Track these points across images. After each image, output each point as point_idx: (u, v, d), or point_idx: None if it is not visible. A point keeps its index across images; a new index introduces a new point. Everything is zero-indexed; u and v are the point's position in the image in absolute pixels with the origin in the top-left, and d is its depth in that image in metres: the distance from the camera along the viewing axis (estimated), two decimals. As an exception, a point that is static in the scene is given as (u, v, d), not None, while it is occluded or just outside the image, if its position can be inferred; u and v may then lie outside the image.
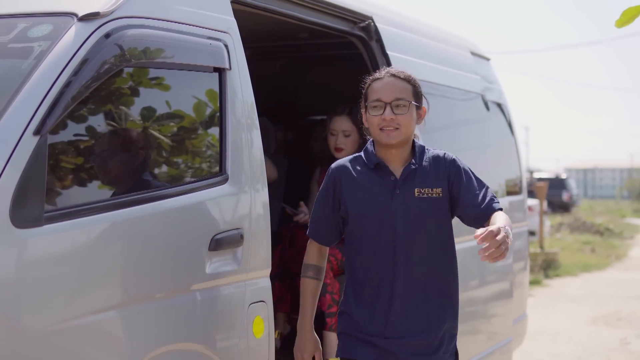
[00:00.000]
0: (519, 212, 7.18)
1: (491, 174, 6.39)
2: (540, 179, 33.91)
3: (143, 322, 3.36)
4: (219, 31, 3.92)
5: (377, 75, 3.70)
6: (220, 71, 3.89)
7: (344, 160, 3.75)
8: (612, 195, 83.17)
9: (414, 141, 3.73)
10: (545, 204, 20.60)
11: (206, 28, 3.85)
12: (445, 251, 3.73)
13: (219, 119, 3.85)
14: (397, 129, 3.60)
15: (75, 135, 3.25)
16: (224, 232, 3.72)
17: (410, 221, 3.63)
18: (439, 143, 5.52)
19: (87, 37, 3.26)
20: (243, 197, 3.87)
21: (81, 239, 3.13)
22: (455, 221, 3.72)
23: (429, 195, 3.65)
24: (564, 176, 44.98)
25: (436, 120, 5.63)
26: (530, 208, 17.55)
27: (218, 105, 3.86)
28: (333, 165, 3.74)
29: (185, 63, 3.73)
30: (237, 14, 4.13)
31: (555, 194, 38.40)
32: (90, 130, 3.32)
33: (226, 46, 3.93)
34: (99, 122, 3.36)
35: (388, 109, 3.60)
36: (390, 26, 5.47)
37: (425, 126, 5.27)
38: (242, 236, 3.81)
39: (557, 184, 39.84)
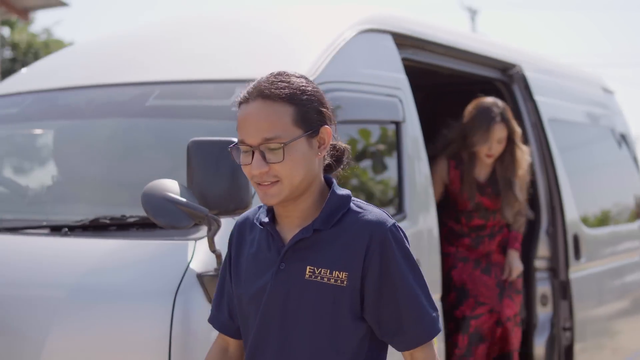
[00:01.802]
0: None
1: (624, 199, 7.00)
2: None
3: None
4: (393, 88, 4.53)
5: (244, 92, 2.48)
6: (397, 123, 4.50)
7: (247, 214, 2.67)
8: None
9: (332, 186, 2.52)
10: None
11: (384, 86, 4.46)
12: None
13: (397, 165, 4.46)
14: (276, 182, 2.42)
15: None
16: (407, 261, 4.33)
17: (290, 316, 2.47)
18: (577, 175, 6.11)
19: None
20: (418, 231, 4.48)
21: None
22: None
23: (326, 280, 2.43)
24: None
25: (576, 156, 6.23)
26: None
27: (396, 153, 4.48)
28: (237, 221, 2.67)
29: (370, 118, 4.37)
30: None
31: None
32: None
33: (401, 101, 4.54)
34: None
35: (256, 156, 2.42)
36: (536, 72, 6.02)
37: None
38: (419, 263, 4.41)
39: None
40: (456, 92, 7.55)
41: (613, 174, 7.04)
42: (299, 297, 2.47)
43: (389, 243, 2.46)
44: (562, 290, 5.66)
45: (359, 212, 2.49)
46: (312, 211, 2.50)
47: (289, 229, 2.51)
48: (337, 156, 2.59)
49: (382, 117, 4.44)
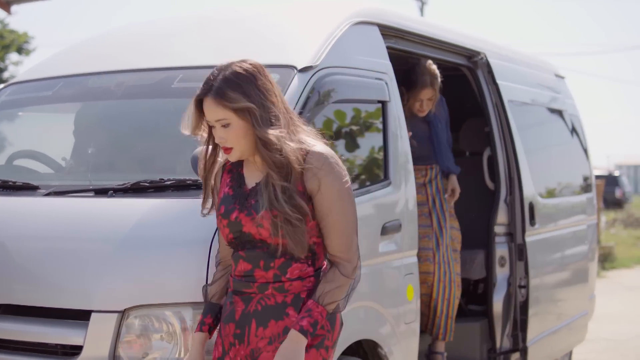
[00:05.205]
0: (589, 208, 8.49)
1: (572, 175, 7.94)
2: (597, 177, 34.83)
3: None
4: (381, 72, 5.25)
5: None
6: (383, 103, 5.23)
7: None
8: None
9: None
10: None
11: (373, 71, 5.18)
12: None
13: (383, 137, 5.19)
14: None
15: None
16: (389, 221, 5.04)
17: None
18: (533, 151, 6.90)
19: (306, 83, 4.59)
20: (400, 196, 5.19)
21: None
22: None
23: None
24: (616, 173, 45.85)
25: (532, 134, 7.04)
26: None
27: (382, 128, 5.20)
28: None
29: (362, 98, 5.09)
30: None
31: (608, 191, 39.31)
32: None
33: (386, 84, 5.26)
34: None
35: None
36: (498, 59, 6.80)
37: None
38: (400, 225, 5.14)
39: (610, 181, 40.73)
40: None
41: (564, 151, 7.92)
42: None
43: None
44: (519, 252, 6.47)
45: None
46: None
47: None
48: None
49: (372, 97, 5.15)
